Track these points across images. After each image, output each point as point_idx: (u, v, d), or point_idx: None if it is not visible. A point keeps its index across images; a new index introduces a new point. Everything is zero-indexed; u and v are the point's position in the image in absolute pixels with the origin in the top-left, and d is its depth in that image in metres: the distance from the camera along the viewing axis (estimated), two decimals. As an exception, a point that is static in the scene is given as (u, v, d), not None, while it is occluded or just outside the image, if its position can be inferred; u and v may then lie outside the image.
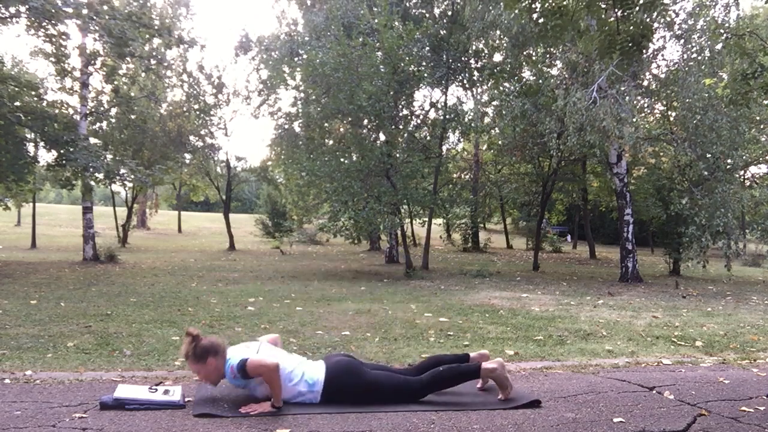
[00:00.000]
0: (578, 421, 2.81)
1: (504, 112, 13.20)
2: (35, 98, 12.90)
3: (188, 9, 20.89)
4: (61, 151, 11.72)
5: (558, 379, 3.72)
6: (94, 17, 11.43)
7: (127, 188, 21.35)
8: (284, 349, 3.38)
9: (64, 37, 11.95)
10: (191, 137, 20.85)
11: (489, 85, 15.30)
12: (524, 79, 13.46)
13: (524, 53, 13.61)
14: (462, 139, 18.03)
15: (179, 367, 3.85)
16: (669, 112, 13.77)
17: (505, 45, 13.93)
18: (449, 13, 15.07)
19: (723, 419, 2.90)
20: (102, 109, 16.08)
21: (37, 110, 11.99)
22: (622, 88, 10.91)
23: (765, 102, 11.36)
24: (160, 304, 6.71)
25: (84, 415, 2.75)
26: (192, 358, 3.04)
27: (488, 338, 5.07)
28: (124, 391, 2.94)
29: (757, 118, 13.79)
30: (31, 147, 13.75)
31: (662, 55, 13.13)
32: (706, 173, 11.91)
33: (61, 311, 6.04)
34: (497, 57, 15.42)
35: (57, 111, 13.06)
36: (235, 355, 3.04)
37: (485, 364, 3.20)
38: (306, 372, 3.07)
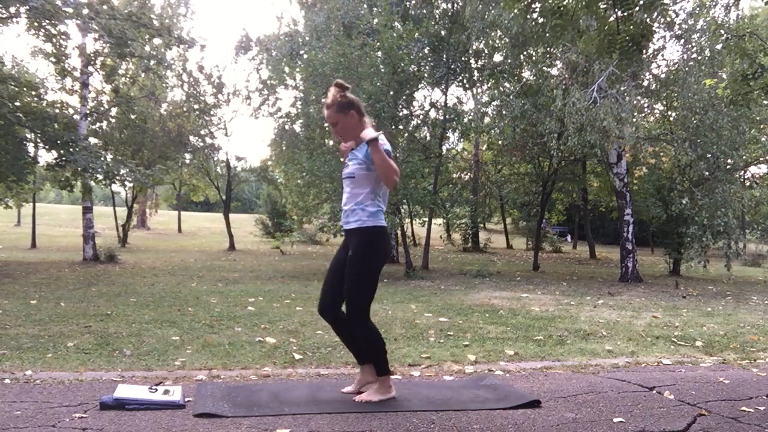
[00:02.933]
0: (578, 421, 2.81)
1: (504, 112, 13.19)
2: (35, 98, 12.90)
3: (188, 9, 20.91)
4: (61, 152, 11.72)
5: (558, 379, 3.71)
6: (94, 17, 11.43)
7: (127, 188, 21.35)
8: None
9: (64, 37, 11.96)
10: (191, 137, 20.83)
11: (489, 85, 15.29)
12: (524, 79, 13.46)
13: (524, 53, 13.60)
14: (462, 139, 18.02)
15: (179, 367, 3.85)
16: (669, 112, 13.77)
17: (505, 45, 13.93)
18: (449, 13, 15.06)
19: (723, 419, 2.90)
20: (102, 109, 16.07)
21: (37, 110, 11.99)
22: (622, 88, 10.92)
23: (765, 102, 11.36)
24: (160, 304, 6.71)
25: (84, 415, 2.74)
26: (337, 107, 3.01)
27: (488, 338, 5.07)
28: (124, 391, 2.94)
29: (758, 118, 13.78)
30: (31, 147, 13.75)
31: (662, 55, 13.16)
32: (706, 173, 11.91)
33: (61, 311, 6.04)
34: (497, 57, 15.41)
35: (57, 111, 13.06)
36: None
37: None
38: (384, 203, 3.07)
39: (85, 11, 11.48)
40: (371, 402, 2.99)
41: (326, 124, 3.16)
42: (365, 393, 3.07)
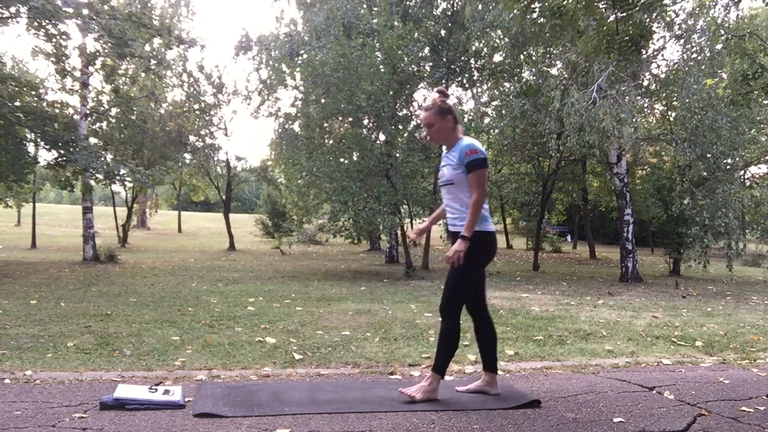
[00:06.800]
0: (578, 421, 2.82)
1: (504, 112, 13.19)
2: (35, 98, 12.90)
3: (188, 9, 20.91)
4: (61, 151, 11.72)
5: (558, 379, 3.72)
6: (94, 17, 11.44)
7: (127, 188, 21.36)
8: None
9: (64, 37, 11.96)
10: (191, 137, 20.84)
11: (489, 85, 15.30)
12: (524, 79, 13.46)
13: (524, 53, 13.60)
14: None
15: (179, 367, 3.85)
16: (669, 113, 13.77)
17: (505, 45, 13.93)
18: (449, 13, 15.07)
19: (723, 419, 2.90)
20: (102, 109, 16.08)
21: (37, 110, 11.99)
22: (622, 88, 10.92)
23: (765, 102, 11.36)
24: (160, 304, 6.71)
25: (84, 415, 2.75)
26: (436, 109, 3.16)
27: (488, 338, 5.07)
28: (124, 391, 2.94)
29: (758, 118, 13.78)
30: (31, 147, 13.75)
31: (662, 55, 13.14)
32: (705, 174, 11.91)
33: (61, 311, 6.04)
34: (497, 57, 15.42)
35: (57, 111, 13.06)
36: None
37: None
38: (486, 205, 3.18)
39: (85, 11, 11.48)
40: (414, 400, 3.03)
41: (421, 125, 3.35)
42: (412, 388, 3.12)
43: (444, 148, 3.29)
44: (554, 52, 12.67)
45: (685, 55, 11.77)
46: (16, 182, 12.29)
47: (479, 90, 17.60)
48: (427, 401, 3.04)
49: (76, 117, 13.88)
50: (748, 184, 16.49)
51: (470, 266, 3.11)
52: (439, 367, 3.12)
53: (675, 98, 12.39)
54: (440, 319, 3.20)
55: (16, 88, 12.02)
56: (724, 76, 11.88)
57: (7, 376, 3.46)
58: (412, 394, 3.06)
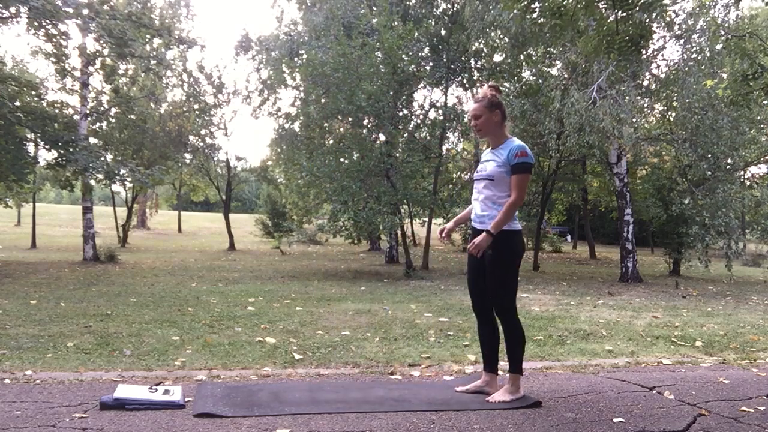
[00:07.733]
0: (578, 421, 2.82)
1: (504, 113, 13.18)
2: (35, 98, 12.91)
3: (188, 9, 20.91)
4: (61, 151, 11.73)
5: (558, 379, 3.72)
6: (95, 17, 11.44)
7: (127, 188, 21.36)
8: None
9: (64, 37, 11.96)
10: (191, 137, 20.84)
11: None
12: (524, 79, 13.45)
13: (524, 53, 13.60)
14: (462, 139, 18.03)
15: (179, 367, 3.85)
16: (669, 113, 13.77)
17: (504, 45, 13.93)
18: (449, 13, 15.06)
19: (723, 419, 2.90)
20: (102, 109, 16.08)
21: (37, 110, 12.00)
22: (622, 88, 10.91)
23: (765, 102, 11.36)
24: (160, 304, 6.71)
25: (84, 415, 2.75)
26: (486, 102, 3.18)
27: (488, 338, 5.06)
28: (124, 391, 2.94)
29: (758, 118, 13.77)
30: (31, 147, 13.76)
31: (662, 55, 13.14)
32: (709, 173, 11.91)
33: (61, 311, 6.04)
34: (497, 57, 15.41)
35: (57, 111, 13.07)
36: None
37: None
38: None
39: (85, 11, 11.48)
40: (504, 402, 3.07)
41: (468, 116, 3.38)
42: (497, 393, 3.15)
43: (489, 143, 3.32)
44: (554, 52, 12.66)
45: (685, 55, 11.76)
46: (16, 182, 12.29)
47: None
48: (517, 400, 3.10)
49: (76, 117, 13.88)
50: (748, 184, 16.49)
51: (510, 265, 3.21)
52: (519, 369, 3.18)
53: (675, 98, 12.38)
54: (501, 329, 3.27)
55: (16, 88, 12.02)
56: (724, 76, 11.87)
57: (7, 376, 3.46)
58: (500, 399, 3.11)
